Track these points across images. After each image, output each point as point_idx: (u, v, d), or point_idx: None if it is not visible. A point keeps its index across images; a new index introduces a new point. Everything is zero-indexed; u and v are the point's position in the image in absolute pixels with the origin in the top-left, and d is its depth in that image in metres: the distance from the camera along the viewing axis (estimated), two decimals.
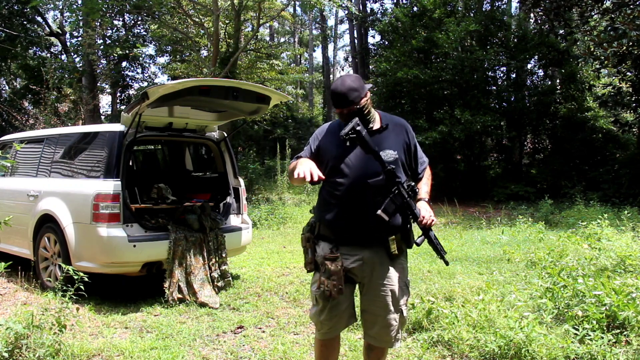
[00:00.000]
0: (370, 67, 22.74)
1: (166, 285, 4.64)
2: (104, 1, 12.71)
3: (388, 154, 2.40)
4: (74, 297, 3.40)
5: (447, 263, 2.58)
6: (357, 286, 2.57)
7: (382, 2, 24.67)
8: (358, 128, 2.34)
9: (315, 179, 2.27)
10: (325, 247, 2.45)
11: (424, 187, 2.60)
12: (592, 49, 11.04)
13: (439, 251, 2.46)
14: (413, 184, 2.44)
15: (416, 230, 2.48)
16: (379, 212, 2.31)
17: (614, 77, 14.77)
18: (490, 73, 15.40)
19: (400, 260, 2.50)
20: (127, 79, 18.45)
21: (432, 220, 2.40)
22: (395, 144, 2.47)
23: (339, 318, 2.50)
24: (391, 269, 2.45)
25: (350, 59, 27.74)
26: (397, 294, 2.46)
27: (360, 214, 2.38)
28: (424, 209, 2.43)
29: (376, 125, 2.49)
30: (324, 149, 2.50)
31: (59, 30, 18.17)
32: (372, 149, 2.36)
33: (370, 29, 23.11)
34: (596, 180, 12.85)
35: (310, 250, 2.51)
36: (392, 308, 2.45)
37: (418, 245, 2.45)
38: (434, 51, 14.63)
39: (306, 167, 2.30)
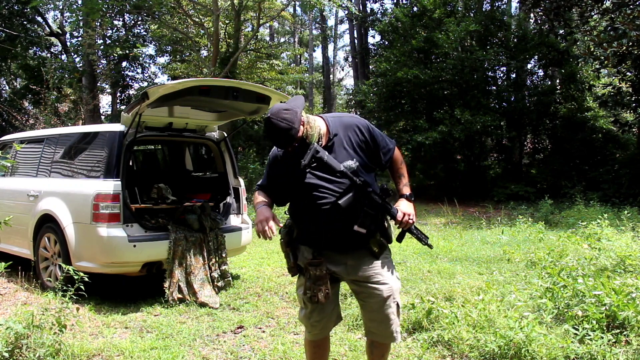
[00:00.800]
0: (370, 67, 22.74)
1: (166, 285, 4.64)
2: (104, 1, 12.72)
3: (348, 166, 2.31)
4: (74, 297, 3.40)
5: (430, 246, 2.58)
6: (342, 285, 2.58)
7: (382, 2, 24.68)
8: (318, 155, 2.29)
9: (275, 234, 2.37)
10: (307, 253, 2.43)
11: (401, 179, 2.50)
12: (592, 49, 11.05)
13: (421, 239, 2.45)
14: (385, 185, 2.37)
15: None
16: (356, 227, 2.28)
17: (614, 77, 14.75)
18: (490, 73, 15.39)
19: (385, 254, 2.47)
20: (127, 79, 18.46)
21: (411, 222, 2.37)
22: (351, 150, 2.37)
23: (328, 319, 2.52)
24: (377, 264, 2.43)
25: (350, 59, 27.76)
26: (389, 287, 2.44)
27: (336, 230, 2.35)
28: (402, 210, 2.37)
29: (324, 139, 2.37)
30: (281, 176, 2.46)
31: (59, 30, 18.18)
32: (338, 169, 2.30)
33: (370, 29, 23.11)
34: (596, 180, 12.85)
35: (292, 254, 2.46)
36: (388, 302, 2.43)
37: (399, 241, 2.47)
38: (434, 51, 14.63)
39: (264, 225, 2.33)
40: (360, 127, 2.42)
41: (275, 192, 2.52)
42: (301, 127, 2.29)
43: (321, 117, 2.44)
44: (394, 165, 2.52)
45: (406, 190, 2.47)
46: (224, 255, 5.07)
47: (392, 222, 2.48)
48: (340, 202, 2.28)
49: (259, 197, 2.50)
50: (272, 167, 2.52)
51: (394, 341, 2.54)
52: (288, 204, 2.57)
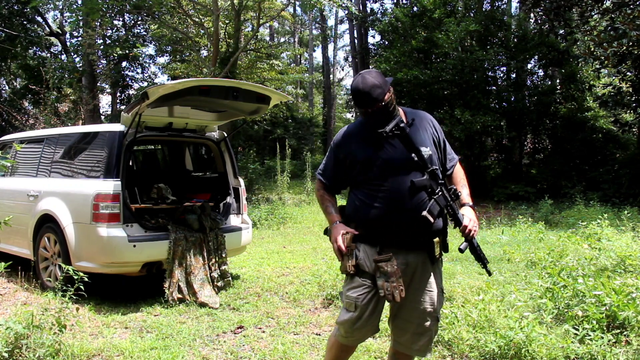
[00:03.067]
0: (370, 67, 22.73)
1: (166, 285, 4.64)
2: (104, 1, 12.72)
3: (423, 152, 2.27)
4: (74, 297, 3.40)
5: (489, 273, 2.44)
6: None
7: (382, 2, 24.68)
8: (402, 125, 2.23)
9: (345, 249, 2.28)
10: (369, 250, 2.30)
11: (464, 189, 2.45)
12: (592, 49, 11.06)
13: (482, 260, 2.35)
14: (455, 188, 2.32)
15: (456, 236, 2.35)
16: (425, 213, 2.18)
17: (614, 77, 14.76)
18: (490, 73, 15.38)
19: (439, 265, 2.40)
20: (127, 79, 18.44)
21: (475, 230, 2.29)
22: (425, 139, 2.33)
23: (370, 327, 2.38)
24: (431, 275, 2.35)
25: (350, 59, 27.75)
26: (434, 301, 2.35)
27: (405, 215, 2.24)
28: (468, 216, 2.30)
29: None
30: (352, 153, 2.35)
31: (59, 30, 18.17)
32: (416, 147, 2.24)
33: (370, 29, 23.08)
34: (596, 180, 12.86)
35: (354, 251, 2.33)
36: (428, 316, 2.34)
37: (462, 252, 2.31)
38: (434, 51, 14.63)
39: (338, 240, 2.28)
40: (434, 123, 2.45)
41: (337, 176, 2.42)
42: (388, 93, 2.27)
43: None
44: (456, 176, 2.49)
45: (469, 200, 2.40)
46: (223, 255, 5.07)
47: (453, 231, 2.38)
48: (414, 180, 2.22)
49: (329, 206, 2.43)
50: (342, 144, 2.41)
51: (422, 357, 2.42)
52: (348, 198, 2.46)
